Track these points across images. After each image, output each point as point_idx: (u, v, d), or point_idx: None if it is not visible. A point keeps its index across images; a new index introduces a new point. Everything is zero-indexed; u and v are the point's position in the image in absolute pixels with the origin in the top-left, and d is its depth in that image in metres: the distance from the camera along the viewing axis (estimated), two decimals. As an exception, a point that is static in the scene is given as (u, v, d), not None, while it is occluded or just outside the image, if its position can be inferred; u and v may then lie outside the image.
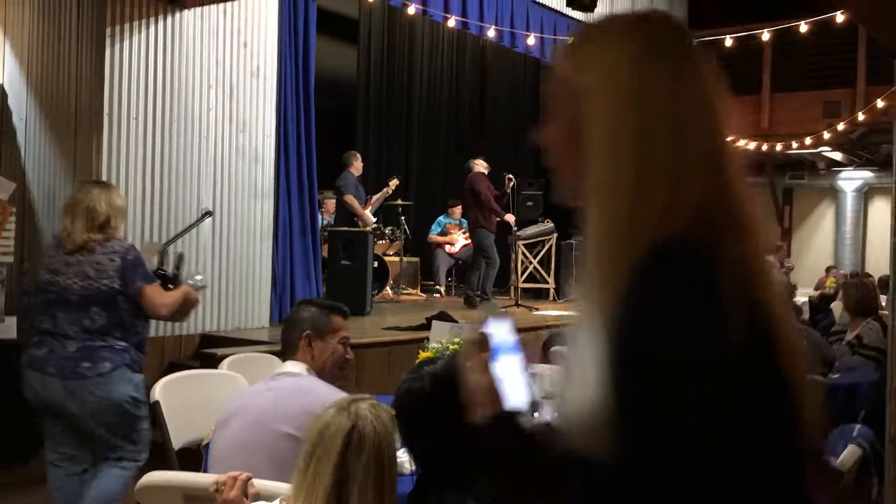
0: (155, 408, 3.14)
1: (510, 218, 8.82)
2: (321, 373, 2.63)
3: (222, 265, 6.19)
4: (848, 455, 2.63)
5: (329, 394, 2.33)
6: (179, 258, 3.72)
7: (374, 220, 8.65)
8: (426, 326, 5.12)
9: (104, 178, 5.44)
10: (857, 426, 2.95)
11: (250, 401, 2.55)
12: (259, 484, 2.00)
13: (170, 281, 3.60)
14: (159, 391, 3.18)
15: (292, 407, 2.37)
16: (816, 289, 11.58)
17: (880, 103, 9.19)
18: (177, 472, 2.62)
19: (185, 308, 3.56)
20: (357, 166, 8.40)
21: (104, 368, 3.32)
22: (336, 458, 1.73)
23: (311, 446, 1.75)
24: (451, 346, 3.04)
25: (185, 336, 5.90)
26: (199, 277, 3.71)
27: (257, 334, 6.07)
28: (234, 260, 6.27)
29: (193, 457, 3.15)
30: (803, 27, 8.76)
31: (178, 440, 3.15)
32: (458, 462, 1.79)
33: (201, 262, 6.04)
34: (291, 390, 2.50)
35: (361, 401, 1.84)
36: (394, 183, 9.09)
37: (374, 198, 8.82)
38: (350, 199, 7.99)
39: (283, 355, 2.72)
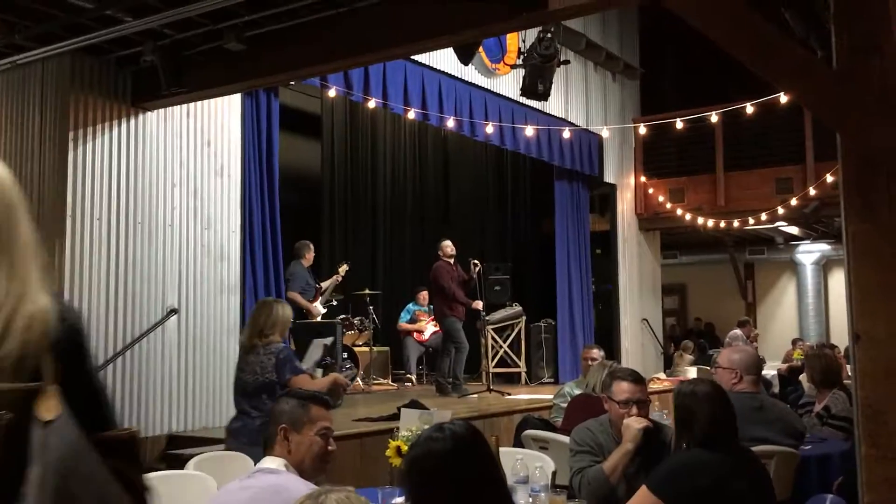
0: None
1: (478, 305, 8.86)
2: (301, 467, 2.55)
3: (188, 363, 6.12)
4: (822, 525, 2.63)
5: (304, 491, 2.29)
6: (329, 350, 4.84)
7: (325, 310, 8.57)
8: (398, 416, 5.06)
9: (67, 278, 5.42)
10: (829, 496, 2.95)
11: (227, 500, 2.49)
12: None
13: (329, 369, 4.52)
14: (124, 495, 3.10)
15: None
16: (784, 361, 11.69)
17: (829, 178, 9.52)
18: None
19: (333, 392, 4.31)
20: (308, 258, 8.39)
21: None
22: None
23: None
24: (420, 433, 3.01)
25: (150, 437, 5.77)
26: (349, 365, 4.88)
27: (224, 433, 5.95)
28: (201, 357, 6.20)
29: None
30: (749, 108, 9.12)
31: (144, 546, 3.05)
32: None
33: (167, 360, 5.96)
34: (266, 490, 2.43)
35: (335, 491, 1.81)
36: (343, 269, 9.04)
37: (325, 285, 8.76)
38: (293, 295, 7.90)
39: (264, 451, 2.66)
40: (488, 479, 1.96)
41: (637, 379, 3.50)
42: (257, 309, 4.54)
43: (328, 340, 7.51)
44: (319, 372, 6.45)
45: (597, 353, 6.09)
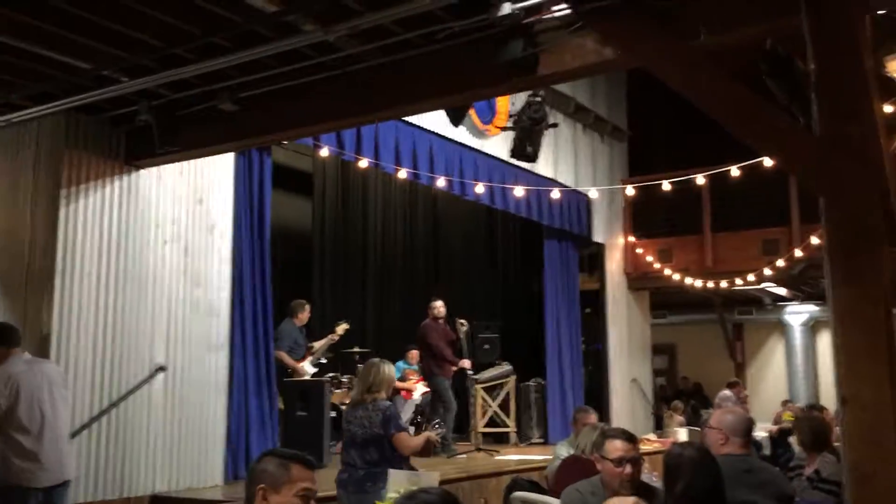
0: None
1: (465, 363, 8.84)
2: None
3: (174, 421, 6.05)
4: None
5: None
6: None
7: (316, 370, 8.51)
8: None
9: (54, 334, 5.39)
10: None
11: None
12: None
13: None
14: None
15: None
16: (774, 423, 11.64)
17: (815, 240, 9.62)
18: None
19: (426, 448, 4.90)
20: (301, 318, 8.36)
21: (379, 487, 4.50)
22: None
23: None
24: (409, 496, 2.99)
25: (134, 498, 5.68)
26: (438, 422, 5.74)
27: (210, 493, 5.87)
28: (187, 415, 6.14)
29: None
30: (735, 171, 9.26)
31: None
32: None
33: (153, 418, 5.90)
34: None
35: None
36: (342, 328, 9.00)
37: (317, 345, 8.72)
38: (280, 354, 7.85)
39: None
40: None
41: (629, 437, 3.49)
42: (366, 368, 5.12)
43: (419, 400, 9.20)
44: (412, 429, 7.72)
45: (594, 417, 6.08)
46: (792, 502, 4.36)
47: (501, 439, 10.18)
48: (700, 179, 10.11)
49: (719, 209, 11.49)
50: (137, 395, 5.81)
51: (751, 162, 8.71)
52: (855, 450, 3.00)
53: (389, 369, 5.07)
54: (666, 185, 10.29)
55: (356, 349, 9.44)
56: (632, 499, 3.24)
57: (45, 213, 5.66)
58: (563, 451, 5.70)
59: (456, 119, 6.56)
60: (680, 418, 11.80)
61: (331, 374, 8.93)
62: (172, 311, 6.15)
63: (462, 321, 8.89)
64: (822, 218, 3.24)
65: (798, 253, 10.54)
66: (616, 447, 3.42)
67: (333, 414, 8.12)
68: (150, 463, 5.85)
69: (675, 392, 15.78)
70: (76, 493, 5.37)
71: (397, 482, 3.16)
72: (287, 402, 7.53)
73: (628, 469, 3.35)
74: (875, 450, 2.94)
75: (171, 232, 6.21)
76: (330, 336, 8.82)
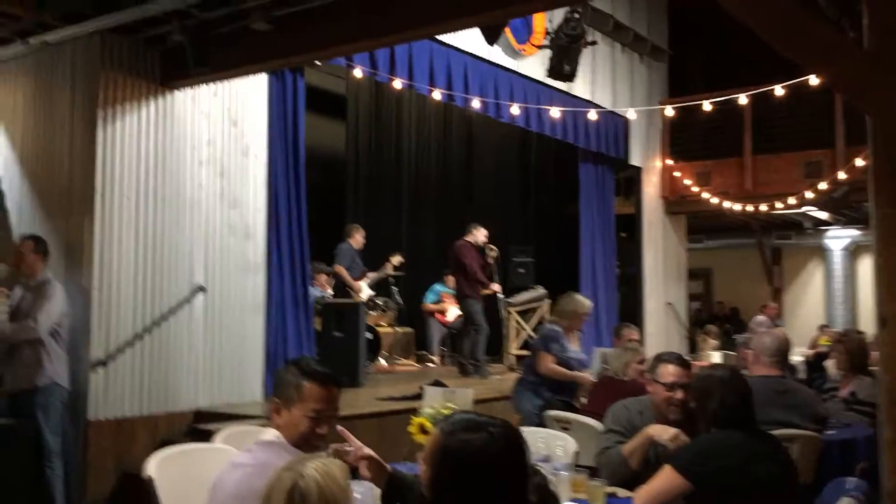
0: (148, 485, 3.11)
1: (495, 287, 8.88)
2: (292, 442, 2.46)
3: (215, 340, 6.19)
4: (844, 508, 2.63)
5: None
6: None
7: (373, 293, 8.68)
8: (420, 395, 5.11)
9: (96, 256, 5.49)
10: (852, 479, 2.94)
11: (224, 477, 2.44)
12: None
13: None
14: (153, 467, 3.16)
15: (253, 487, 2.15)
16: (811, 348, 11.59)
17: (860, 162, 9.39)
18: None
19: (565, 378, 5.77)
20: (357, 239, 8.55)
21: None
22: None
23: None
24: (443, 411, 3.04)
25: (177, 413, 5.86)
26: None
27: (250, 409, 6.03)
28: (227, 335, 6.27)
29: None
30: (779, 91, 8.99)
31: (172, 517, 3.12)
32: None
33: (193, 337, 6.04)
34: (257, 468, 2.31)
35: (312, 459, 1.83)
36: (396, 259, 9.13)
37: (371, 275, 8.88)
38: (339, 269, 8.05)
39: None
40: (518, 487, 1.90)
41: (683, 363, 3.48)
42: (563, 297, 6.23)
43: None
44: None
45: (636, 333, 6.26)
46: (825, 423, 4.38)
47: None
48: (742, 99, 9.83)
49: (761, 131, 11.22)
50: (178, 314, 5.93)
51: (796, 81, 8.44)
52: (891, 371, 2.97)
53: (575, 305, 5.98)
54: (706, 106, 10.03)
55: (390, 272, 9.54)
56: (673, 430, 3.26)
57: (83, 135, 5.70)
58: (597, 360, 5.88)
59: (491, 38, 6.42)
60: (714, 342, 11.78)
61: (372, 296, 9.07)
62: (210, 232, 6.22)
63: (491, 246, 8.90)
64: (869, 137, 3.14)
65: (841, 175, 10.29)
66: (669, 371, 3.42)
67: (369, 335, 8.26)
68: (192, 380, 6.01)
69: (711, 316, 15.75)
70: (122, 408, 5.57)
71: (432, 398, 3.22)
72: (324, 322, 7.66)
73: (679, 394, 3.35)
74: (913, 371, 2.91)
75: (206, 154, 6.23)
76: (384, 267, 8.99)
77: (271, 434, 2.50)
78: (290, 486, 1.75)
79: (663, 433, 3.25)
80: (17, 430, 5.01)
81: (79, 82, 5.79)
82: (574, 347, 5.91)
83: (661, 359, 3.56)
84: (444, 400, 3.16)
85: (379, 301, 9.45)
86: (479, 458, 1.84)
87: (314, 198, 7.41)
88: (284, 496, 1.74)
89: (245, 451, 2.52)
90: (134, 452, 5.43)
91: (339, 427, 2.56)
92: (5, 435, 4.96)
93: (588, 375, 5.80)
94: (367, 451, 2.56)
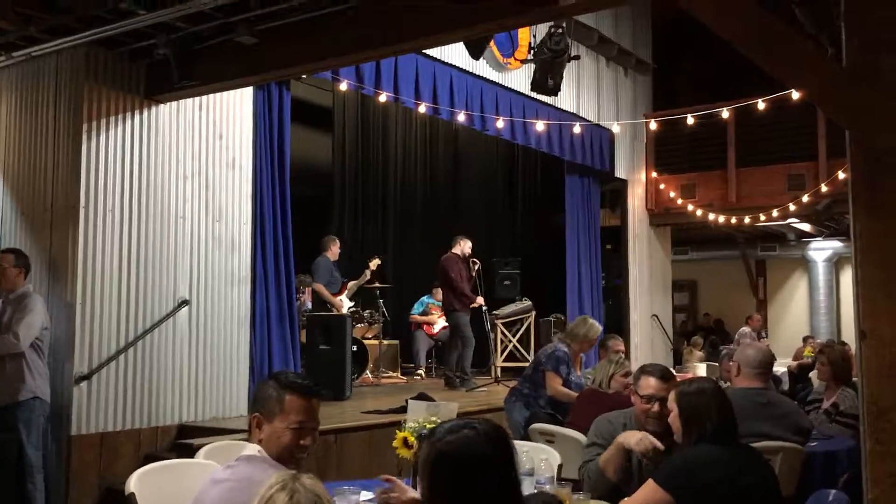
0: (129, 500, 3.09)
1: (479, 301, 8.90)
2: (274, 456, 2.45)
3: (199, 354, 6.16)
4: (824, 521, 2.64)
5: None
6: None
7: (352, 304, 8.66)
8: (406, 409, 5.10)
9: (80, 269, 5.46)
10: (833, 491, 2.96)
11: (205, 493, 2.43)
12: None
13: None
14: (134, 483, 3.15)
15: (235, 502, 2.18)
16: (795, 359, 11.66)
17: (842, 175, 9.47)
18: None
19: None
20: (334, 251, 8.51)
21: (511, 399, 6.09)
22: None
23: None
24: (427, 425, 3.04)
25: (161, 427, 5.83)
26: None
27: (235, 423, 6.00)
28: (211, 348, 6.25)
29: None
30: (761, 105, 9.07)
31: (153, 533, 3.10)
32: None
33: (178, 351, 6.01)
34: (239, 483, 2.32)
35: (300, 477, 1.83)
36: (374, 264, 9.10)
37: (351, 284, 8.86)
38: (318, 287, 8.03)
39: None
40: (510, 483, 1.93)
41: (665, 376, 3.49)
42: (577, 320, 6.30)
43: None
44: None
45: (621, 345, 6.27)
46: (809, 435, 4.39)
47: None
48: (725, 113, 9.92)
49: (744, 144, 11.31)
50: (162, 328, 5.91)
51: (778, 95, 8.53)
52: (872, 384, 2.99)
53: (588, 330, 5.97)
54: (690, 119, 10.12)
55: (377, 284, 9.53)
56: (639, 433, 3.30)
57: (67, 148, 5.68)
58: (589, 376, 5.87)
59: (476, 52, 6.46)
60: (699, 353, 11.85)
61: (352, 309, 9.05)
62: (195, 245, 6.20)
63: (474, 260, 8.92)
64: (848, 151, 3.18)
65: (824, 188, 10.39)
66: (649, 384, 3.43)
67: (355, 348, 8.25)
68: (176, 394, 5.98)
69: (696, 328, 15.82)
70: (106, 422, 5.53)
71: (416, 412, 3.21)
72: (309, 335, 7.65)
73: (656, 407, 3.37)
74: (892, 384, 2.93)
75: (191, 167, 6.22)
76: (363, 274, 8.95)
77: (252, 449, 2.49)
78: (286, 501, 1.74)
79: (630, 437, 3.28)
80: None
81: (63, 95, 5.78)
82: (576, 371, 5.94)
83: (643, 370, 3.58)
84: (428, 414, 3.16)
85: (364, 313, 9.44)
86: (465, 453, 1.87)
87: (300, 210, 7.41)
88: None
89: (226, 467, 2.50)
90: (117, 467, 5.40)
91: (385, 476, 2.56)
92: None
93: None
94: (413, 494, 2.54)
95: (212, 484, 2.44)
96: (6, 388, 5.07)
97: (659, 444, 3.25)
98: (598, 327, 6.12)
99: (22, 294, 5.21)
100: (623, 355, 5.94)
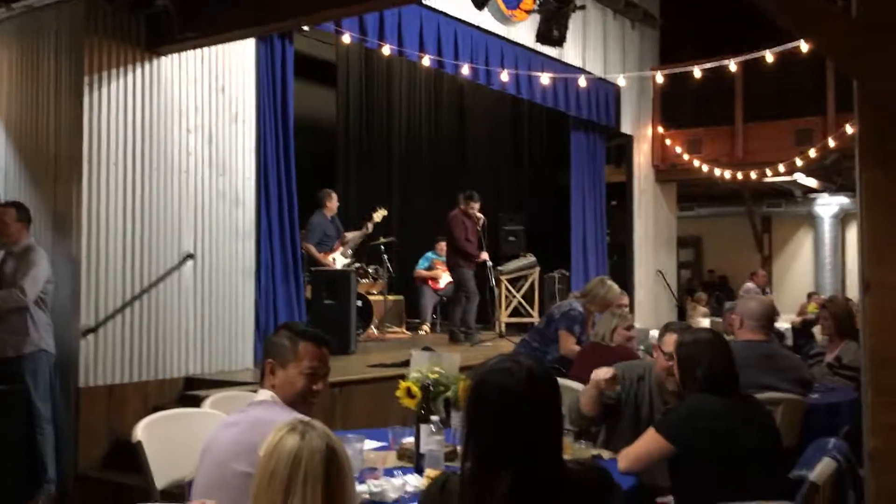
0: (137, 448, 3.13)
1: (484, 256, 8.88)
2: (287, 402, 2.53)
3: (205, 308, 6.19)
4: (824, 467, 2.67)
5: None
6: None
7: (347, 261, 8.61)
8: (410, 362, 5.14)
9: (84, 223, 5.47)
10: (833, 440, 2.98)
11: (218, 437, 2.49)
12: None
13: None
14: (141, 431, 3.18)
15: (249, 443, 2.24)
16: (799, 315, 11.68)
17: (850, 129, 9.38)
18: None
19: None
20: (330, 206, 8.46)
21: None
22: (323, 479, 1.74)
23: (289, 472, 1.74)
24: (430, 375, 3.07)
25: (168, 380, 5.88)
26: None
27: (241, 376, 6.06)
28: (217, 302, 6.28)
29: (177, 500, 3.14)
30: (769, 57, 8.95)
31: (161, 480, 3.15)
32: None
33: (183, 304, 6.04)
34: (252, 424, 2.40)
35: (313, 423, 1.86)
36: (379, 215, 9.02)
37: (350, 235, 8.80)
38: (307, 247, 7.99)
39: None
40: (549, 420, 1.92)
41: None
42: (594, 281, 6.21)
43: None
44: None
45: (626, 299, 6.27)
46: (810, 387, 4.43)
47: (525, 329, 10.32)
48: (732, 66, 9.79)
49: (752, 98, 11.19)
50: (167, 282, 5.93)
51: (786, 47, 8.40)
52: (874, 334, 2.99)
53: (607, 292, 5.87)
54: (697, 73, 10.00)
55: (381, 239, 9.53)
56: (607, 370, 3.45)
57: (68, 101, 5.65)
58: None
59: (479, 2, 6.35)
60: (703, 309, 11.88)
61: (357, 264, 9.06)
62: (199, 199, 6.19)
63: (479, 215, 8.89)
64: (856, 101, 3.14)
65: (832, 142, 10.30)
66: (673, 340, 3.45)
67: (359, 303, 8.28)
68: (182, 347, 6.02)
69: (700, 284, 15.83)
70: (113, 375, 5.58)
71: (419, 362, 3.24)
72: (314, 290, 7.67)
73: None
74: (895, 334, 2.93)
75: (194, 121, 6.19)
76: (365, 225, 8.88)
77: (265, 395, 2.56)
78: (294, 449, 1.75)
79: (599, 374, 3.44)
80: (7, 395, 5.03)
81: (63, 48, 5.73)
82: (588, 332, 5.92)
83: (668, 328, 3.62)
84: (431, 364, 3.18)
85: (369, 269, 9.45)
86: (506, 383, 1.87)
87: (304, 165, 7.38)
88: (287, 458, 1.74)
89: (238, 412, 2.56)
90: (125, 419, 5.46)
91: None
92: (-4, 401, 4.97)
93: None
94: None
95: (224, 427, 2.50)
96: (11, 342, 5.12)
97: (610, 374, 3.43)
98: (617, 289, 5.96)
99: (26, 247, 5.22)
100: (627, 309, 5.96)
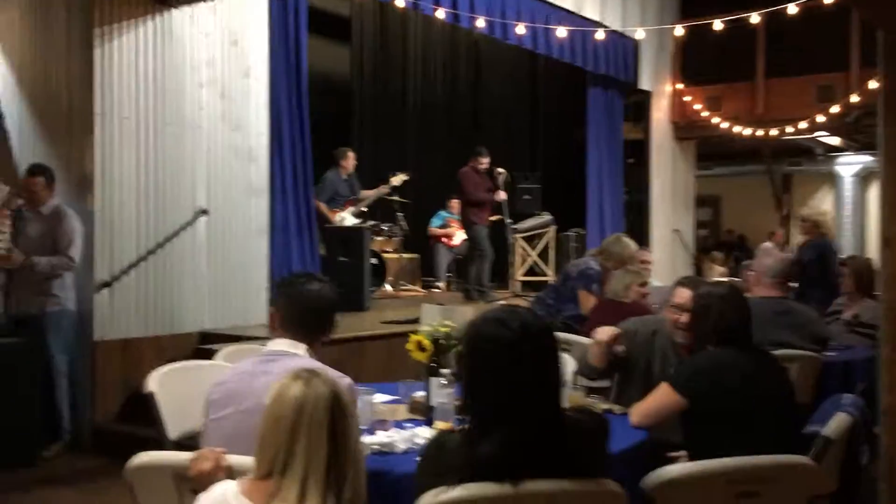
0: (149, 399, 3.15)
1: (501, 195, 8.73)
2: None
3: (218, 263, 6.20)
4: (838, 422, 2.64)
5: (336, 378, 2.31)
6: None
7: (356, 220, 8.54)
8: (423, 318, 5.14)
9: (97, 177, 5.47)
10: (848, 395, 2.95)
11: (247, 386, 2.44)
12: (232, 459, 2.04)
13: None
14: (154, 383, 3.20)
15: None
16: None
17: (873, 85, 9.18)
18: (166, 451, 2.60)
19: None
20: (345, 165, 8.39)
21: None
22: (328, 425, 1.75)
23: (294, 418, 1.75)
24: (441, 329, 3.05)
25: (182, 334, 5.92)
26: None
27: (255, 331, 6.07)
28: (231, 258, 6.29)
29: (189, 450, 3.15)
30: (792, 9, 8.73)
31: (174, 431, 3.17)
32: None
33: (197, 260, 6.05)
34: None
35: (318, 371, 1.87)
36: (398, 179, 8.93)
37: (367, 193, 8.74)
38: (317, 204, 7.94)
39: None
40: (546, 373, 1.92)
41: (697, 288, 3.48)
42: (610, 238, 6.09)
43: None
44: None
45: (648, 255, 6.20)
46: (827, 344, 4.38)
47: (540, 288, 10.28)
48: (754, 19, 9.58)
49: (774, 53, 10.96)
50: (181, 237, 5.94)
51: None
52: (893, 290, 2.94)
53: (623, 249, 5.73)
54: (718, 25, 9.78)
55: (396, 198, 9.49)
56: (611, 329, 3.45)
57: (79, 55, 5.61)
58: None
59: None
60: (721, 269, 11.78)
61: (371, 222, 9.02)
62: (212, 155, 6.17)
63: (500, 170, 8.81)
64: (879, 54, 3.05)
65: (854, 99, 10.09)
66: (679, 294, 3.43)
67: (374, 261, 8.27)
68: (196, 302, 6.05)
69: (719, 244, 15.72)
70: (128, 329, 5.62)
71: (430, 316, 3.22)
72: (329, 248, 7.67)
73: (685, 317, 3.35)
74: (914, 290, 2.88)
75: (206, 75, 6.13)
76: (381, 187, 8.81)
77: (297, 348, 2.53)
78: (299, 396, 1.77)
79: (601, 333, 3.44)
80: (26, 349, 5.08)
81: (74, 1, 5.67)
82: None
83: (678, 282, 3.58)
84: (441, 318, 3.16)
85: (384, 227, 9.42)
86: (500, 334, 1.87)
87: (318, 123, 7.33)
88: (292, 404, 1.76)
89: (263, 361, 2.51)
90: (140, 372, 5.41)
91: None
92: (15, 354, 5.02)
93: None
94: (224, 462, 2.23)
95: (252, 377, 2.44)
96: (35, 301, 5.20)
97: (604, 338, 3.42)
98: (633, 246, 5.87)
99: (55, 210, 5.25)
100: (648, 265, 5.91)
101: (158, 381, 3.22)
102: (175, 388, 3.25)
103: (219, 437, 2.39)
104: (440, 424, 2.69)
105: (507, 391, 1.84)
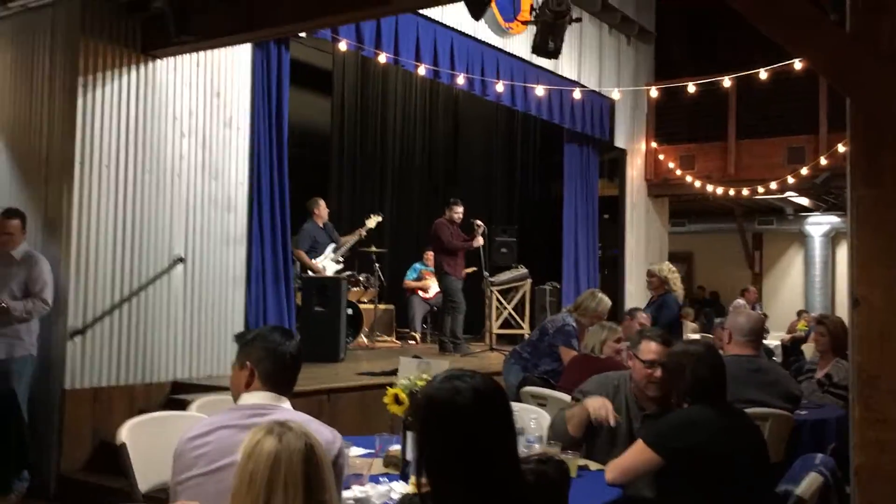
0: (121, 450, 3.11)
1: (479, 241, 8.80)
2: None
3: (194, 312, 6.17)
4: (810, 482, 2.66)
5: (328, 435, 2.30)
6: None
7: (339, 266, 8.56)
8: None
9: (75, 224, 5.44)
10: (820, 455, 2.98)
11: (240, 441, 2.35)
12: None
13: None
14: (125, 434, 3.16)
15: None
16: (788, 332, 11.72)
17: (842, 148, 9.43)
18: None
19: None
20: (319, 213, 8.42)
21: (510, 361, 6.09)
22: (303, 479, 1.74)
23: (269, 475, 1.73)
24: (418, 382, 3.05)
25: (155, 384, 5.85)
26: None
27: (229, 381, 6.01)
28: (206, 307, 6.25)
29: (160, 503, 3.11)
30: (763, 75, 9.01)
31: (144, 483, 3.12)
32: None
33: (172, 308, 6.02)
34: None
35: (292, 426, 1.85)
36: (373, 221, 8.96)
37: (346, 238, 8.76)
38: (298, 253, 7.97)
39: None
40: (501, 437, 1.90)
41: (665, 341, 3.48)
42: (585, 294, 6.25)
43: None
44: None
45: (645, 317, 6.22)
46: (799, 403, 4.42)
47: (515, 341, 10.30)
48: (727, 82, 9.85)
49: (745, 115, 11.23)
50: (157, 285, 5.91)
51: (780, 65, 8.46)
52: (862, 352, 3.00)
53: (598, 304, 5.92)
54: (691, 88, 10.05)
55: (373, 248, 9.52)
56: (601, 399, 3.37)
57: (62, 102, 5.64)
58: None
59: (477, 10, 6.35)
60: (692, 325, 11.89)
61: (348, 273, 9.03)
62: (191, 204, 6.18)
63: (479, 222, 8.88)
64: (848, 118, 3.15)
65: (823, 161, 10.35)
66: (651, 349, 3.42)
67: (350, 311, 8.26)
68: (170, 351, 6.00)
69: (691, 300, 15.85)
70: (100, 377, 5.55)
71: (407, 369, 3.23)
72: (305, 297, 7.65)
73: (658, 372, 3.37)
74: (882, 351, 2.94)
75: (188, 125, 6.18)
76: (359, 231, 8.83)
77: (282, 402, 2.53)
78: (273, 452, 1.75)
79: (592, 402, 3.37)
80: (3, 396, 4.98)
81: (59, 48, 5.72)
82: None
83: (643, 335, 3.57)
84: (419, 371, 3.17)
85: (360, 277, 9.43)
86: (455, 400, 1.85)
87: (298, 173, 7.37)
88: (266, 461, 1.74)
89: (252, 416, 2.45)
90: (111, 422, 5.41)
91: None
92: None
93: None
94: None
95: (241, 431, 2.33)
96: (3, 345, 5.13)
97: (612, 420, 3.31)
98: (608, 302, 6.01)
99: (27, 255, 5.26)
100: (612, 323, 5.95)
101: (130, 432, 3.18)
102: (147, 440, 3.21)
103: (216, 493, 2.28)
104: (415, 479, 2.67)
105: (464, 456, 1.84)
